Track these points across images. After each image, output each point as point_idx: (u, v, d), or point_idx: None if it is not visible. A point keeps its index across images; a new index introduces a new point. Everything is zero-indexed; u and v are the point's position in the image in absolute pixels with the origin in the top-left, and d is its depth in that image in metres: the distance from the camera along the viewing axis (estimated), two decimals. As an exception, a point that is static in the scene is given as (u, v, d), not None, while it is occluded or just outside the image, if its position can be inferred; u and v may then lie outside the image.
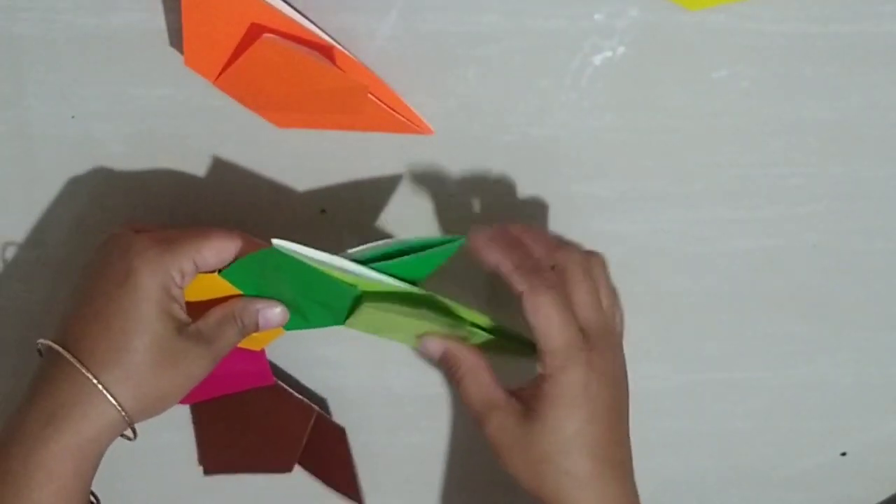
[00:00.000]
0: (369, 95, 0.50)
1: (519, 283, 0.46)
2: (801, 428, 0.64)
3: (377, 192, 0.55)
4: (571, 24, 0.52)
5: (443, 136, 0.54)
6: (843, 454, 0.65)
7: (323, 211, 0.56)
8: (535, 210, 0.56)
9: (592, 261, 0.50)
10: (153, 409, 0.47)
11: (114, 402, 0.45)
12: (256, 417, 0.57)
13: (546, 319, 0.46)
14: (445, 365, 0.49)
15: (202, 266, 0.48)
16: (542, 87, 0.53)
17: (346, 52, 0.50)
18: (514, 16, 0.51)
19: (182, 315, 0.48)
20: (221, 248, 0.48)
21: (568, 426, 0.46)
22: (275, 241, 0.45)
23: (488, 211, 0.56)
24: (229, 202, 0.55)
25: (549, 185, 0.56)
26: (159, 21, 0.51)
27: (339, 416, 0.60)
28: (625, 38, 0.52)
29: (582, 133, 0.55)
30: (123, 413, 0.45)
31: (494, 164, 0.55)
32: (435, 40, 0.52)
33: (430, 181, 0.55)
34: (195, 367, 0.48)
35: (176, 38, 0.51)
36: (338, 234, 0.56)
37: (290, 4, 0.50)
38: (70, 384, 0.45)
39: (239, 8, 0.47)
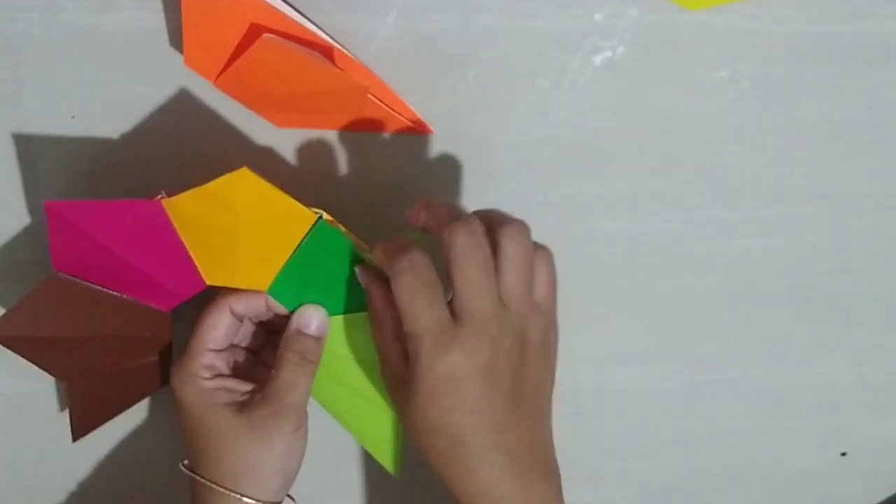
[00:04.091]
0: (369, 95, 0.50)
1: (387, 270, 0.45)
2: (801, 428, 0.64)
3: (377, 192, 0.55)
4: (571, 24, 0.52)
5: (443, 136, 0.54)
6: (843, 454, 0.65)
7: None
8: (535, 210, 0.56)
9: (540, 250, 0.47)
10: (267, 484, 0.50)
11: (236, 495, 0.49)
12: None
13: (402, 302, 0.44)
14: (368, 304, 0.49)
15: (218, 345, 0.50)
16: (542, 87, 0.53)
17: (346, 52, 0.50)
18: (514, 16, 0.51)
19: (230, 397, 0.50)
20: (217, 323, 0.50)
21: (431, 413, 0.44)
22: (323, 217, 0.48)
23: (488, 211, 0.56)
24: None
25: (549, 185, 0.56)
26: (159, 21, 0.51)
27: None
28: (625, 38, 0.52)
29: (582, 133, 0.55)
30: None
31: (494, 164, 0.55)
32: (435, 40, 0.52)
33: (430, 181, 0.55)
34: (272, 427, 0.49)
35: (176, 38, 0.51)
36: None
37: (290, 4, 0.50)
38: (200, 498, 0.51)
39: (239, 8, 0.47)
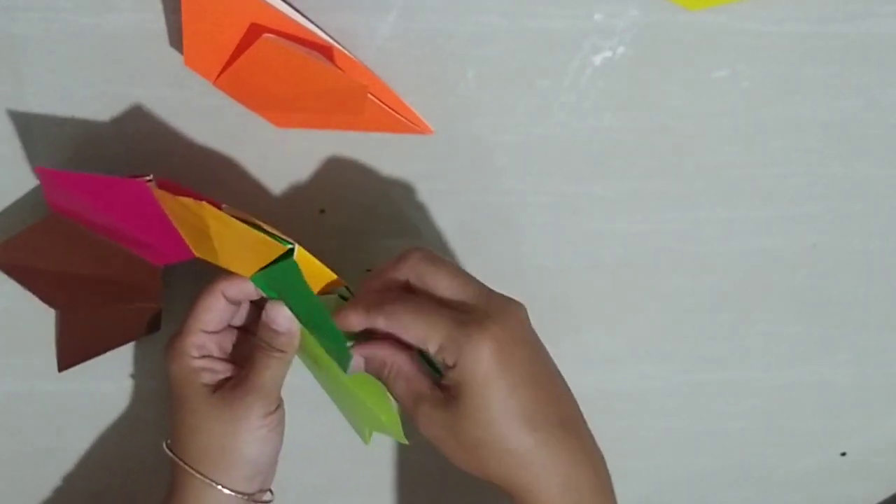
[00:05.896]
0: (369, 95, 0.51)
1: (374, 321, 0.46)
2: (801, 428, 0.64)
3: (377, 192, 0.55)
4: (571, 24, 0.52)
5: (443, 136, 0.54)
6: (843, 454, 0.65)
7: (322, 211, 0.56)
8: (535, 210, 0.56)
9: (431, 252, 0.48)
10: (233, 469, 0.50)
11: (208, 480, 0.50)
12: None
13: (411, 326, 0.45)
14: (373, 370, 0.48)
15: (211, 327, 0.51)
16: (542, 87, 0.53)
17: (346, 52, 0.50)
18: (514, 16, 0.51)
19: (213, 377, 0.51)
20: (211, 307, 0.50)
21: (491, 405, 0.44)
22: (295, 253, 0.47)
23: (488, 211, 0.56)
24: (229, 202, 0.55)
25: (549, 185, 0.56)
26: (159, 21, 0.51)
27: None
28: (625, 38, 0.52)
29: (582, 133, 0.55)
30: (214, 482, 0.50)
31: (494, 164, 0.55)
32: (435, 40, 0.52)
33: (430, 181, 0.55)
34: (238, 409, 0.49)
35: (176, 38, 0.51)
36: (338, 234, 0.56)
37: (290, 4, 0.50)
38: (175, 478, 0.52)
39: (239, 8, 0.47)
